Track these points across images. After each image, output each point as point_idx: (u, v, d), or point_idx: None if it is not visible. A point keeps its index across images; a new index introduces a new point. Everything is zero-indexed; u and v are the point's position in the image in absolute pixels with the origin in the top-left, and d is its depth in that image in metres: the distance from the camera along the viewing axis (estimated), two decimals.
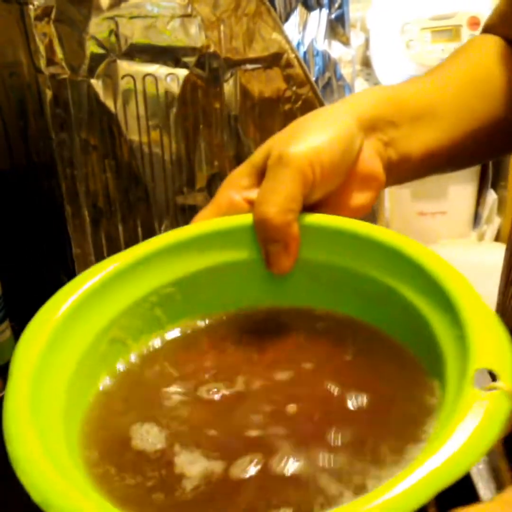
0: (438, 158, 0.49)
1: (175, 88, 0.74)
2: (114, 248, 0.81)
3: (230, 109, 0.76)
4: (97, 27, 0.70)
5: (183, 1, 0.71)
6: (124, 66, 0.72)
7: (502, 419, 0.27)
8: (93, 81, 0.72)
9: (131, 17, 0.70)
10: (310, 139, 0.39)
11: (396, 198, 1.78)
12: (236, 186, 0.41)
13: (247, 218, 0.40)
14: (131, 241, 0.81)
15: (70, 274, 0.80)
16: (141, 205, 0.79)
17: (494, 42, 0.56)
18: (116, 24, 0.70)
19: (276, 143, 0.40)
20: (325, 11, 0.89)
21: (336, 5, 0.93)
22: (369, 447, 0.32)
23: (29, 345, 0.34)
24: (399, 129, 0.46)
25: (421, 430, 0.32)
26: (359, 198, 0.43)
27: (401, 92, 0.49)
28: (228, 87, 0.75)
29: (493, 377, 0.29)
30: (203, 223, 0.41)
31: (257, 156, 0.41)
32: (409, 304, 0.37)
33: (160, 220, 0.80)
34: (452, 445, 0.26)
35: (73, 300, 0.38)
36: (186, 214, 0.80)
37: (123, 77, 0.73)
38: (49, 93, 0.72)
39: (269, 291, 0.42)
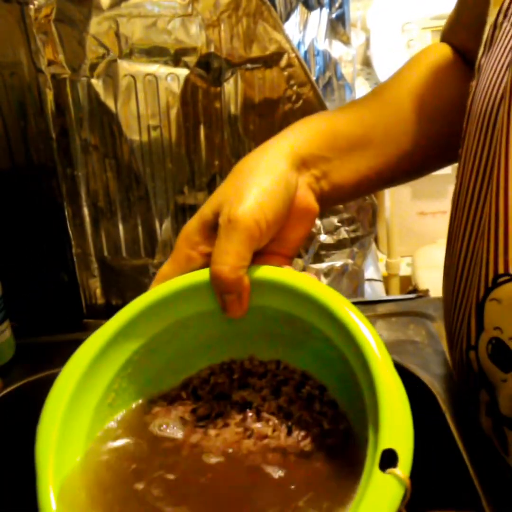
0: (372, 181, 0.54)
1: (176, 88, 0.74)
2: (114, 248, 0.81)
3: (231, 109, 0.76)
4: (98, 26, 0.70)
5: (183, 1, 0.70)
6: (125, 66, 0.72)
7: (396, 504, 0.33)
8: (93, 81, 0.72)
9: (132, 17, 0.70)
10: (253, 196, 0.45)
11: (396, 198, 1.78)
12: (191, 243, 0.46)
13: (204, 274, 0.45)
14: (131, 241, 0.81)
15: (70, 274, 0.80)
16: (142, 204, 0.79)
17: (439, 56, 0.59)
18: (117, 23, 0.70)
19: (224, 202, 0.45)
20: (325, 10, 0.89)
21: (337, 5, 0.92)
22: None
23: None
24: (331, 162, 0.51)
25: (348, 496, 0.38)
26: (298, 231, 0.48)
27: (336, 124, 0.53)
28: (229, 86, 0.75)
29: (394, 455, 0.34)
30: (165, 285, 0.46)
31: (207, 212, 0.46)
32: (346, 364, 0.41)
33: (161, 220, 0.80)
34: None
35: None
36: (186, 214, 0.80)
37: (123, 77, 0.73)
38: (49, 93, 0.72)
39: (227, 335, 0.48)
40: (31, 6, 0.68)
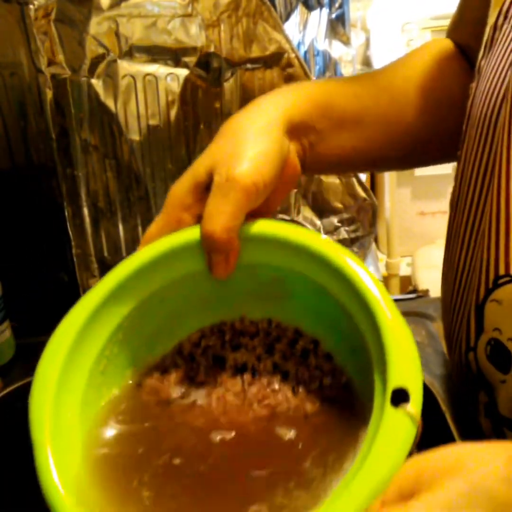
0: (354, 160, 0.55)
1: (176, 88, 0.74)
2: (114, 248, 0.81)
3: (231, 109, 0.76)
4: (98, 27, 0.70)
5: (183, 1, 0.70)
6: (125, 66, 0.72)
7: (410, 440, 0.33)
8: (93, 81, 0.72)
9: (132, 17, 0.70)
10: (251, 157, 0.44)
11: (396, 198, 1.78)
12: (183, 204, 0.45)
13: (193, 233, 0.44)
14: (131, 241, 0.81)
15: (70, 274, 0.80)
16: (142, 205, 0.79)
17: (443, 49, 0.59)
18: (117, 24, 0.70)
19: (219, 161, 0.44)
20: (325, 10, 0.89)
21: (337, 5, 0.93)
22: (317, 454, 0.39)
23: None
24: (320, 134, 0.52)
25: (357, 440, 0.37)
26: (281, 192, 0.49)
27: (331, 96, 0.53)
28: (229, 86, 0.75)
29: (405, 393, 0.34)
30: (153, 246, 0.45)
31: (200, 171, 0.45)
32: (341, 304, 0.40)
33: None
34: (371, 463, 0.33)
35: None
36: None
37: (123, 77, 0.73)
38: (49, 93, 0.72)
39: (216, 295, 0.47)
40: (31, 6, 0.68)
